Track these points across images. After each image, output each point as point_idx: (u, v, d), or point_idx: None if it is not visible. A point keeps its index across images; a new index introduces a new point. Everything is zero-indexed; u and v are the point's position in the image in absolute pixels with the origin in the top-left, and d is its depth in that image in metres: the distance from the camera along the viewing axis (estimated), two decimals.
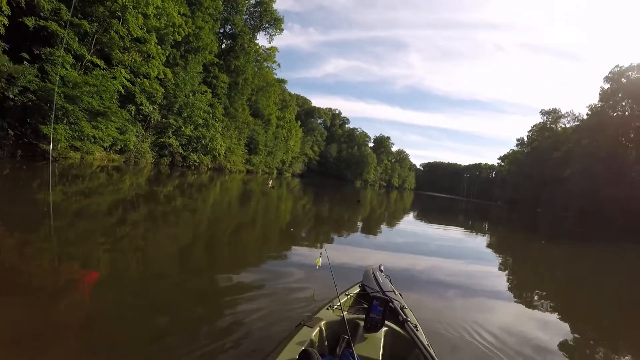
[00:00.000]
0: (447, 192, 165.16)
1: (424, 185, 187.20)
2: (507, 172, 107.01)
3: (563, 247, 18.57)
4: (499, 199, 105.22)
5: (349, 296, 4.25)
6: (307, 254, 8.54)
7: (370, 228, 16.53)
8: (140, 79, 27.17)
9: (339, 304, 3.47)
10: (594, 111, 64.58)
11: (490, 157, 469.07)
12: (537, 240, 20.91)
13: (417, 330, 3.26)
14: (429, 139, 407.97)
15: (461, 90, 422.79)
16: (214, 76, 44.12)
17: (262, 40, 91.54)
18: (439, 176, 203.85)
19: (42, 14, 18.73)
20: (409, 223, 21.62)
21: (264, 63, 61.71)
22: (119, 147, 26.38)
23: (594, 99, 67.68)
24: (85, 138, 20.35)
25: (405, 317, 3.45)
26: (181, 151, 36.15)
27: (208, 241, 9.35)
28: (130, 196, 14.59)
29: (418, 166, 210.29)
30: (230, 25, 48.88)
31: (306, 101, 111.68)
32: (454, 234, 18.52)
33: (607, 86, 60.96)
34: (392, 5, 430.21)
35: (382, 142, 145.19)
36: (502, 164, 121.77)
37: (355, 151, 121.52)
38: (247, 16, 52.53)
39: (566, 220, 46.17)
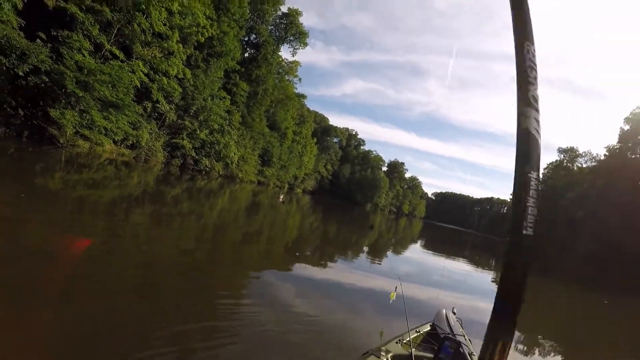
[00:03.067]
0: (457, 224, 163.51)
1: (434, 214, 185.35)
2: None
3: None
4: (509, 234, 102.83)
5: (418, 333, 4.23)
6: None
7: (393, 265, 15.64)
8: (159, 76, 26.76)
9: (408, 339, 3.52)
10: (611, 152, 62.98)
11: (501, 191, 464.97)
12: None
13: None
14: (442, 168, 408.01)
15: (476, 121, 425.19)
16: (234, 83, 43.87)
17: (285, 53, 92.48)
18: (450, 206, 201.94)
19: None
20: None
21: (285, 76, 61.64)
22: (130, 142, 25.88)
23: (612, 140, 66.39)
24: (95, 128, 19.77)
25: None
26: (193, 154, 35.62)
27: (208, 257, 8.48)
28: (135, 193, 14.11)
29: (429, 195, 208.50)
30: (255, 34, 48.85)
31: (324, 119, 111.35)
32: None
33: (626, 127, 59.64)
34: (413, 30, 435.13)
35: (395, 167, 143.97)
36: None
37: (369, 174, 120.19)
38: (272, 27, 52.57)
39: (575, 260, 44.61)
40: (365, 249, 17.51)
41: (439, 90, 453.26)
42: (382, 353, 3.20)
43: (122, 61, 21.39)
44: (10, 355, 2.98)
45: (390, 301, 5.00)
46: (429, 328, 4.55)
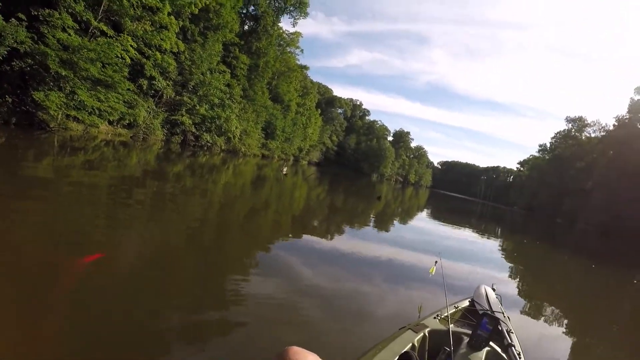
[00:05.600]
0: (463, 193, 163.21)
1: (440, 184, 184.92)
2: (526, 178, 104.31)
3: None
4: (515, 204, 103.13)
5: (457, 309, 4.18)
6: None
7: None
8: (152, 51, 25.78)
9: (446, 314, 3.52)
10: (621, 122, 61.85)
11: (506, 160, 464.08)
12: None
13: (520, 358, 3.10)
14: (448, 137, 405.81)
15: (482, 90, 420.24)
16: (234, 56, 42.68)
17: (285, 24, 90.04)
18: (456, 176, 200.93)
19: None
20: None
21: (287, 48, 60.23)
22: (127, 121, 25.21)
23: (622, 110, 64.93)
24: (85, 109, 18.99)
25: (510, 341, 3.30)
26: (194, 130, 34.92)
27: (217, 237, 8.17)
28: (136, 173, 13.67)
29: (436, 164, 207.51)
30: (253, 5, 47.15)
31: (327, 90, 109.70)
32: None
33: (637, 97, 58.19)
34: None
35: (401, 137, 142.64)
36: (522, 169, 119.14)
37: (374, 144, 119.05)
38: None
39: (587, 233, 44.16)
40: (388, 221, 17.61)
41: (444, 59, 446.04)
42: (420, 328, 3.23)
43: (110, 37, 20.43)
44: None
45: (430, 275, 5.40)
46: (468, 304, 4.46)
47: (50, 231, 5.67)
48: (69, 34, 17.54)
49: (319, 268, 7.00)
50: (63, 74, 17.01)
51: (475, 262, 11.48)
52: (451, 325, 3.27)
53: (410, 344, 2.93)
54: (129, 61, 22.00)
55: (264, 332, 4.00)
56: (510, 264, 13.15)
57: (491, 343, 3.09)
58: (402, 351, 2.68)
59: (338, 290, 5.96)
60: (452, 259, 10.56)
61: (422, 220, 22.60)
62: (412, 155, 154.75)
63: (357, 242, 10.35)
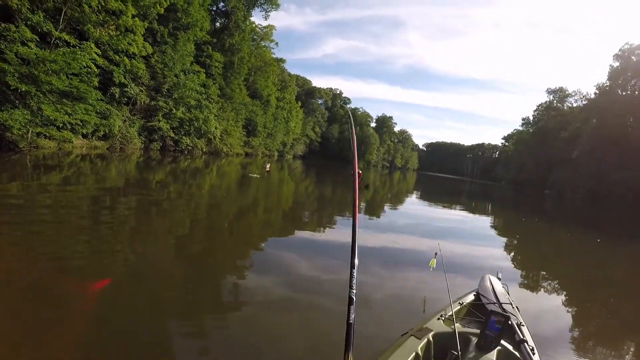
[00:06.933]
0: (450, 173, 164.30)
1: (427, 165, 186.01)
2: (512, 152, 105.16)
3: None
4: (503, 179, 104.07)
5: (462, 306, 3.93)
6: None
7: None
8: (120, 57, 24.87)
9: (451, 313, 3.27)
10: (602, 90, 62.41)
11: (491, 137, 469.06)
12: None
13: (534, 354, 2.89)
14: (431, 119, 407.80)
15: (460, 69, 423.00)
16: (207, 55, 41.85)
17: (258, 18, 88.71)
18: (442, 156, 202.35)
19: None
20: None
21: (261, 42, 59.38)
22: (102, 132, 24.38)
23: (601, 79, 65.60)
24: (54, 124, 18.17)
25: (522, 337, 3.10)
26: (172, 135, 34.14)
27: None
28: (117, 185, 13.17)
29: (421, 146, 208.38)
30: (222, 1, 46.24)
31: (306, 81, 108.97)
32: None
33: (616, 64, 58.76)
34: None
35: (384, 122, 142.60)
36: (507, 144, 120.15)
37: (357, 131, 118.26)
38: None
39: (576, 202, 44.51)
40: (378, 208, 17.48)
41: (420, 42, 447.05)
42: (423, 333, 2.98)
43: (73, 46, 19.56)
44: None
45: (431, 269, 5.11)
46: (473, 298, 4.19)
47: (29, 256, 5.25)
48: (30, 47, 16.70)
49: (313, 262, 6.90)
50: (23, 89, 16.20)
51: (474, 244, 11.22)
52: (457, 325, 3.05)
53: (414, 354, 2.73)
54: (96, 70, 21.12)
55: (263, 331, 3.93)
56: (510, 243, 12.92)
57: (502, 342, 2.87)
58: None
59: (335, 282, 5.77)
60: (450, 242, 10.36)
61: (413, 204, 22.48)
62: (396, 140, 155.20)
63: (349, 232, 9.99)
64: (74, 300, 4.15)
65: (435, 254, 5.06)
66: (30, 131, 17.01)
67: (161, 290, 4.82)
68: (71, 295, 4.27)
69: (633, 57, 56.18)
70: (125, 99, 28.13)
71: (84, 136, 22.76)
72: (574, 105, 78.08)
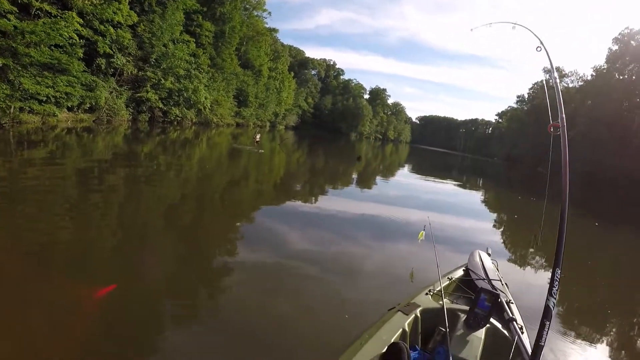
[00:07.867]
0: (443, 147, 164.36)
1: (420, 138, 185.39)
2: (506, 129, 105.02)
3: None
4: (495, 155, 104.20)
5: (451, 281, 3.89)
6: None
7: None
8: (105, 26, 24.08)
9: (440, 288, 3.25)
10: (599, 73, 61.91)
11: (485, 112, 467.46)
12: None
13: (523, 333, 2.84)
14: (425, 92, 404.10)
15: (455, 44, 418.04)
16: (197, 25, 40.69)
17: None
18: (435, 130, 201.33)
19: None
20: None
21: (254, 12, 57.81)
22: (88, 105, 23.91)
23: (598, 61, 64.97)
24: (33, 98, 17.73)
25: (511, 315, 3.06)
26: (161, 106, 33.46)
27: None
28: (105, 158, 13.16)
29: (414, 119, 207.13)
30: None
31: (299, 52, 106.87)
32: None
33: (615, 47, 58.13)
34: None
35: (377, 94, 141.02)
36: (501, 120, 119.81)
37: (351, 103, 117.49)
38: None
39: (571, 184, 44.66)
40: (370, 180, 17.76)
41: (415, 15, 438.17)
42: (411, 308, 2.93)
43: (54, 17, 18.92)
44: None
45: (419, 241, 5.19)
46: (462, 273, 4.20)
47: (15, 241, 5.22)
48: (9, 20, 16.11)
49: (306, 233, 7.07)
50: (1, 63, 15.73)
51: (464, 217, 11.58)
52: (445, 301, 3.03)
53: (401, 330, 2.68)
54: (80, 41, 20.52)
55: (256, 304, 4.03)
56: (500, 219, 13.13)
57: (491, 319, 2.88)
58: (391, 340, 2.41)
59: (326, 254, 5.93)
60: (440, 215, 10.55)
61: (404, 176, 23.04)
62: (389, 112, 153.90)
63: (341, 203, 10.43)
64: (66, 299, 4.09)
65: (425, 226, 5.14)
66: (12, 107, 16.65)
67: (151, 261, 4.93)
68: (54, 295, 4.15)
69: (632, 42, 55.46)
70: (112, 70, 27.44)
71: (70, 109, 22.29)
72: (570, 85, 77.51)
